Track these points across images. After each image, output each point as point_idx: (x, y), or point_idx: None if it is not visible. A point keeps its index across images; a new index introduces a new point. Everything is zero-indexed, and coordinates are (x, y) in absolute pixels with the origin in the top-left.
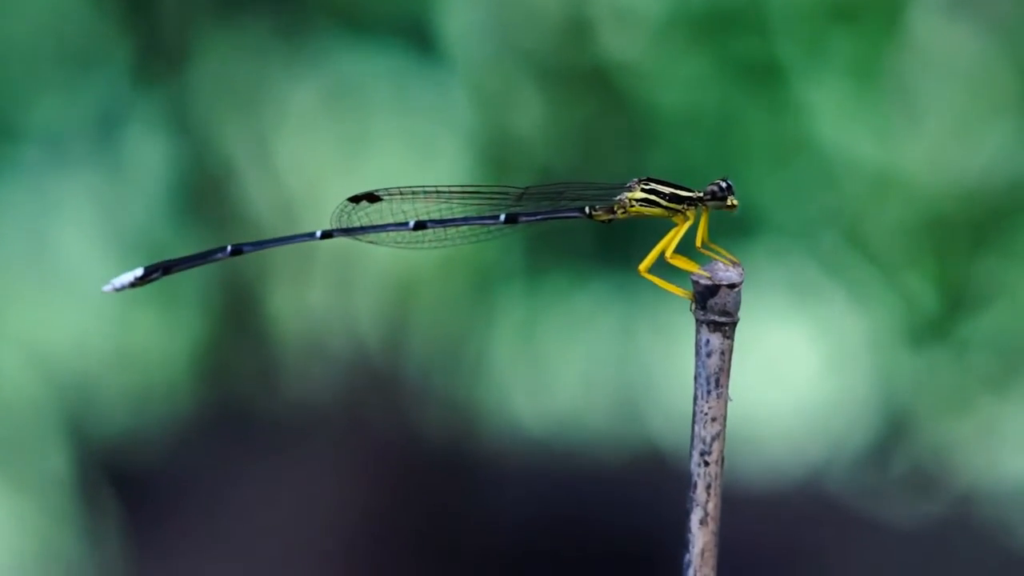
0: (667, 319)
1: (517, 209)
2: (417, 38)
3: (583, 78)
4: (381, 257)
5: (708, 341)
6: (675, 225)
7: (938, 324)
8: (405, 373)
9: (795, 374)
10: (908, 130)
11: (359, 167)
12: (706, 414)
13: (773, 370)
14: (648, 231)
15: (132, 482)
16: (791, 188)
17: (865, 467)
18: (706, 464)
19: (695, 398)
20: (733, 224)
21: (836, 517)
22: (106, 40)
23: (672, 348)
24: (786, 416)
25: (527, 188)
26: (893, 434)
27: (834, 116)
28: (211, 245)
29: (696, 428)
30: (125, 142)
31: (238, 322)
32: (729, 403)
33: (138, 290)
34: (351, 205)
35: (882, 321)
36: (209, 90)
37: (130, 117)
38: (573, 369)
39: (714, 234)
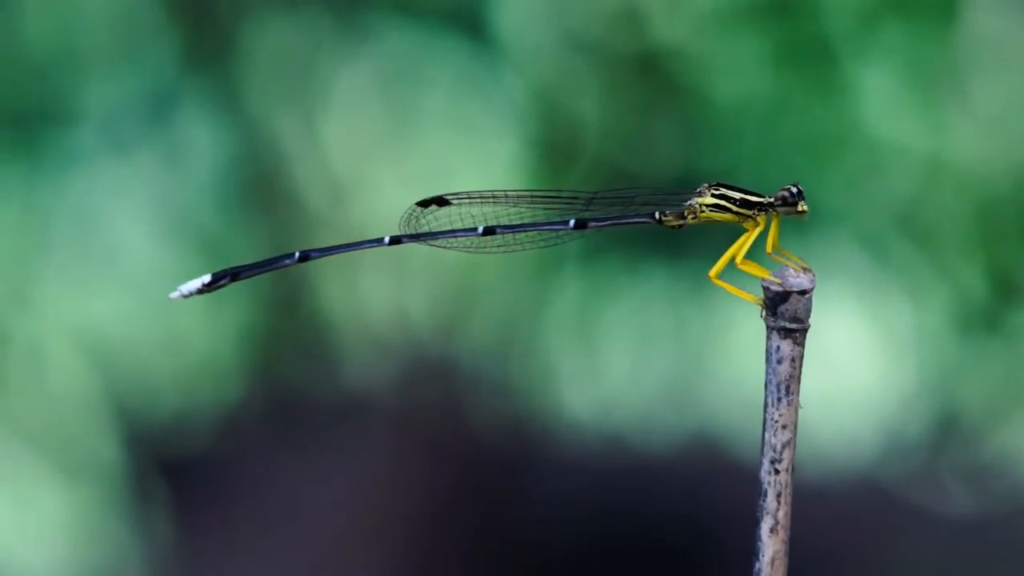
0: (719, 305)
1: (586, 214)
2: (470, 21)
3: (635, 64)
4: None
5: (779, 348)
6: (745, 231)
7: (990, 313)
8: (457, 361)
9: (847, 364)
10: (960, 118)
11: (409, 149)
12: (776, 421)
13: (825, 360)
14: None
15: (182, 469)
16: (842, 175)
17: (920, 459)
18: (776, 472)
19: (765, 405)
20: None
21: (891, 509)
22: (157, 22)
23: (724, 335)
24: (839, 407)
25: (596, 193)
26: (946, 425)
27: (886, 103)
28: (260, 227)
29: (766, 436)
30: (176, 125)
31: (288, 308)
32: (800, 410)
33: (170, 294)
34: (419, 209)
35: (934, 311)
36: (260, 71)
37: (181, 100)
38: (625, 356)
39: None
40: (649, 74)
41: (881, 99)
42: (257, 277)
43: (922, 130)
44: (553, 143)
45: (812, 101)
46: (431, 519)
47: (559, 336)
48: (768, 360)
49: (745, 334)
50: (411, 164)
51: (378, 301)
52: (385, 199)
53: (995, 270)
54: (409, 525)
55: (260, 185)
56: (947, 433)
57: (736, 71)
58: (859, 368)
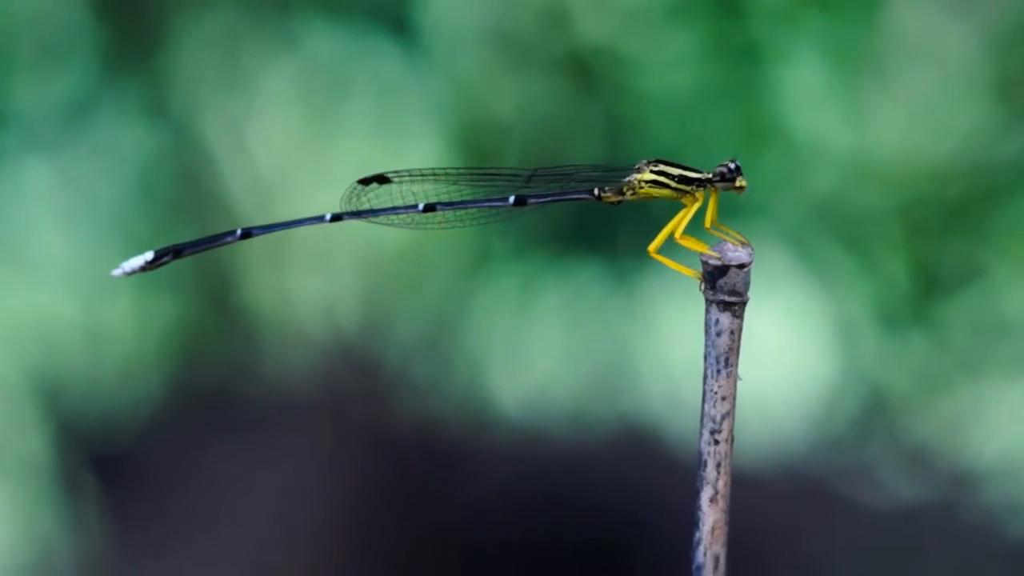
0: (646, 298)
1: (526, 191)
2: (393, 21)
3: (560, 63)
4: (359, 239)
5: (718, 321)
6: (684, 207)
7: (913, 306)
8: (383, 356)
9: (772, 358)
10: (882, 113)
11: (333, 151)
12: (716, 393)
13: (750, 354)
14: (633, 211)
15: (110, 464)
16: (764, 171)
17: (845, 450)
18: (716, 443)
19: (705, 377)
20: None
21: (817, 500)
22: (81, 25)
23: (650, 328)
24: (764, 400)
25: (536, 170)
26: (871, 417)
27: (809, 99)
28: (185, 229)
29: (706, 407)
30: (99, 127)
31: (213, 303)
32: (739, 382)
33: (112, 271)
34: (360, 187)
35: (857, 304)
36: (183, 75)
37: (104, 102)
38: (552, 351)
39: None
40: (574, 71)
41: (804, 95)
42: (184, 272)
43: (844, 125)
44: (478, 141)
45: (735, 97)
46: (360, 513)
47: (487, 330)
48: (707, 333)
49: (672, 327)
50: (336, 165)
51: (305, 296)
52: (310, 199)
53: (918, 263)
54: (338, 519)
55: (186, 186)
56: (873, 424)
57: (660, 68)
58: (784, 362)
